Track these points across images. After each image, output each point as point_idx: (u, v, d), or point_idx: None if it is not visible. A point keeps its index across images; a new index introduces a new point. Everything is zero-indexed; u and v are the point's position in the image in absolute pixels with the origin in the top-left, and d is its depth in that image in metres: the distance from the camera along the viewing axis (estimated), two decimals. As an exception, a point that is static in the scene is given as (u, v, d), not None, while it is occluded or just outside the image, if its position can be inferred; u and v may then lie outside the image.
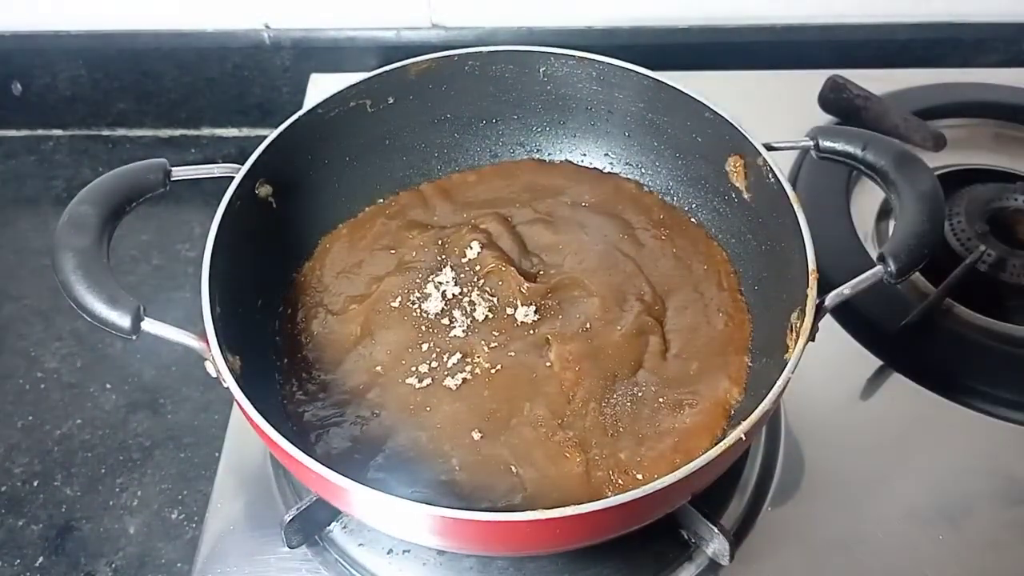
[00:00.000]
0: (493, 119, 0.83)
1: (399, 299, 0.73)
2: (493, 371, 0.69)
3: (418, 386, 0.68)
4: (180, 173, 0.67)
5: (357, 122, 0.77)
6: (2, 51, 1.06)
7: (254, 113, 1.11)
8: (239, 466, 0.73)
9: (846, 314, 0.78)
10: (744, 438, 0.55)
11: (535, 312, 0.72)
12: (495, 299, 0.73)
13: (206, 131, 1.13)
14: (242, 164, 0.69)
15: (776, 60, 1.05)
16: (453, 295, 0.73)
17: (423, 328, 0.71)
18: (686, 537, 0.66)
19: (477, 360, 0.69)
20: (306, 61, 1.06)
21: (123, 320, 0.58)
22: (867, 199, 0.89)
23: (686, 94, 0.74)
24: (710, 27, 1.06)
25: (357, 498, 0.53)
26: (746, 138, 0.70)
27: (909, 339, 0.78)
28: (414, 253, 0.77)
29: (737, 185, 0.73)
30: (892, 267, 0.61)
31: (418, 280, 0.74)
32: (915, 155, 0.68)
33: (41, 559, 0.77)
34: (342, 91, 0.75)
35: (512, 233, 0.78)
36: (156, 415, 0.86)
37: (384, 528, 0.59)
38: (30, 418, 0.86)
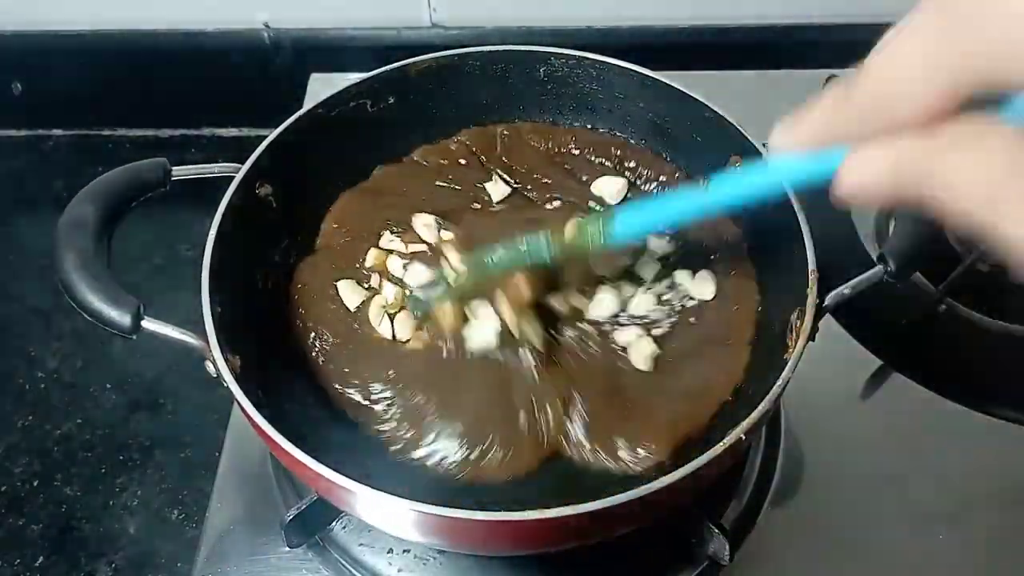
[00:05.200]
0: (493, 119, 0.83)
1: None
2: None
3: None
4: (180, 172, 0.67)
5: (357, 121, 0.77)
6: (2, 51, 1.06)
7: (254, 113, 1.11)
8: (239, 466, 0.73)
9: (846, 314, 0.78)
10: (744, 438, 0.55)
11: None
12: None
13: (206, 131, 1.13)
14: (242, 164, 0.69)
15: (776, 60, 1.05)
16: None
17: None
18: (686, 537, 0.66)
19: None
20: (306, 61, 1.06)
21: (123, 319, 0.58)
22: (867, 199, 0.89)
23: (686, 94, 0.74)
24: (710, 27, 1.06)
25: (357, 497, 0.53)
26: (746, 138, 0.70)
27: (909, 339, 0.78)
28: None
29: (737, 185, 0.73)
30: (893, 267, 0.61)
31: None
32: (915, 155, 0.68)
33: (41, 559, 0.77)
34: (342, 91, 0.75)
35: None
36: (156, 415, 0.86)
37: (384, 527, 0.59)
38: (30, 418, 0.86)
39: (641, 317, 0.68)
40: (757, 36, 1.06)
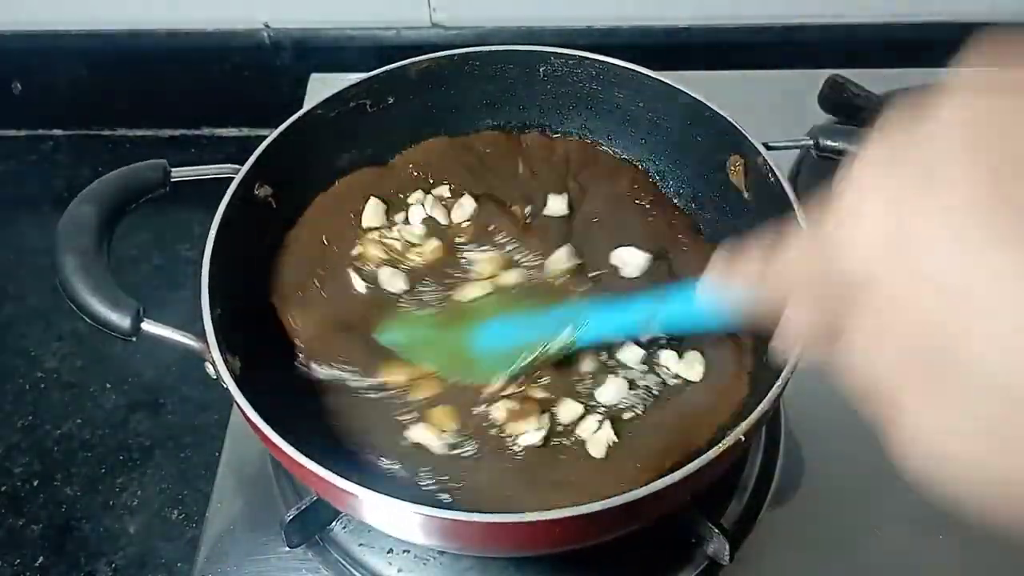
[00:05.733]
0: (493, 119, 0.83)
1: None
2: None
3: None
4: (180, 173, 0.67)
5: (357, 122, 0.77)
6: (2, 51, 1.06)
7: (254, 113, 1.11)
8: (239, 466, 0.73)
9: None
10: (743, 438, 0.55)
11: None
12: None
13: (206, 131, 1.13)
14: (242, 164, 0.69)
15: (776, 60, 1.05)
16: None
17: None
18: (686, 537, 0.66)
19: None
20: (306, 61, 1.06)
21: (123, 322, 0.58)
22: (867, 199, 0.89)
23: (686, 94, 0.74)
24: (710, 27, 1.06)
25: (357, 499, 0.53)
26: (746, 138, 0.70)
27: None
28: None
29: (737, 184, 0.73)
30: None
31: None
32: (915, 155, 0.68)
33: (41, 559, 0.77)
34: (342, 91, 0.75)
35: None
36: (156, 415, 0.86)
37: (384, 528, 0.59)
38: (30, 418, 0.86)
39: (609, 405, 0.64)
40: (757, 36, 1.06)
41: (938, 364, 0.29)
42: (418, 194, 0.77)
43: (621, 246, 0.72)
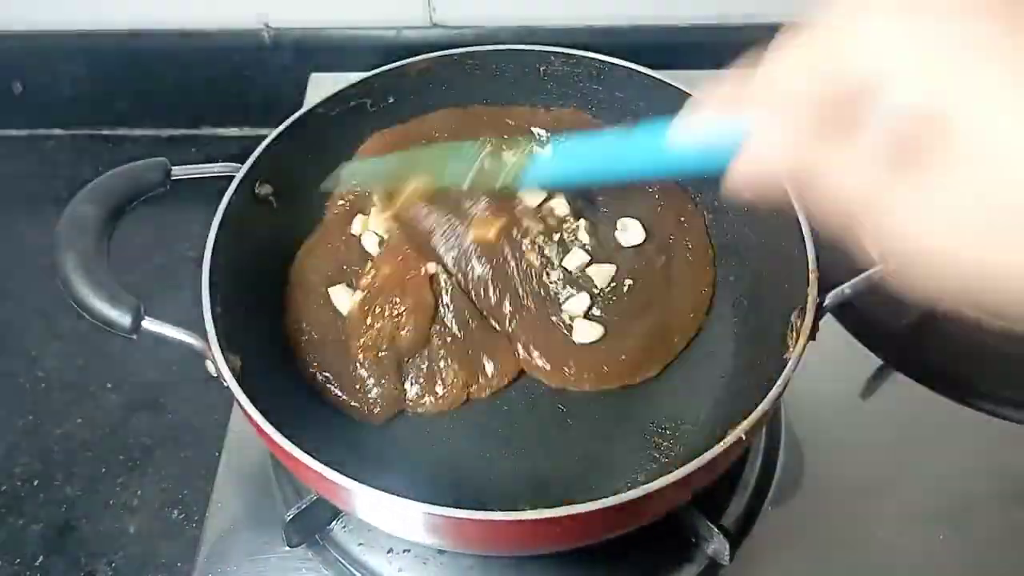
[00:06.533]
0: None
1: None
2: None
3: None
4: (180, 172, 0.67)
5: (358, 121, 0.77)
6: (2, 51, 1.06)
7: (254, 112, 1.11)
8: (239, 466, 0.73)
9: (847, 313, 0.78)
10: (744, 438, 0.55)
11: None
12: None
13: (206, 130, 1.13)
14: (242, 163, 0.69)
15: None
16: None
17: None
18: (686, 537, 0.66)
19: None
20: (306, 60, 1.06)
21: (124, 319, 0.58)
22: (867, 199, 0.89)
23: (688, 93, 0.74)
24: (710, 27, 1.05)
25: (357, 497, 0.53)
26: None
27: (910, 338, 0.78)
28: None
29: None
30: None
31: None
32: (916, 154, 0.68)
33: (41, 559, 0.77)
34: (342, 90, 0.75)
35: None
36: (156, 415, 0.86)
37: (384, 527, 0.59)
38: (30, 418, 0.86)
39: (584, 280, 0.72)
40: (758, 36, 1.06)
41: (938, 164, 0.29)
42: (358, 220, 0.75)
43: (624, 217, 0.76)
